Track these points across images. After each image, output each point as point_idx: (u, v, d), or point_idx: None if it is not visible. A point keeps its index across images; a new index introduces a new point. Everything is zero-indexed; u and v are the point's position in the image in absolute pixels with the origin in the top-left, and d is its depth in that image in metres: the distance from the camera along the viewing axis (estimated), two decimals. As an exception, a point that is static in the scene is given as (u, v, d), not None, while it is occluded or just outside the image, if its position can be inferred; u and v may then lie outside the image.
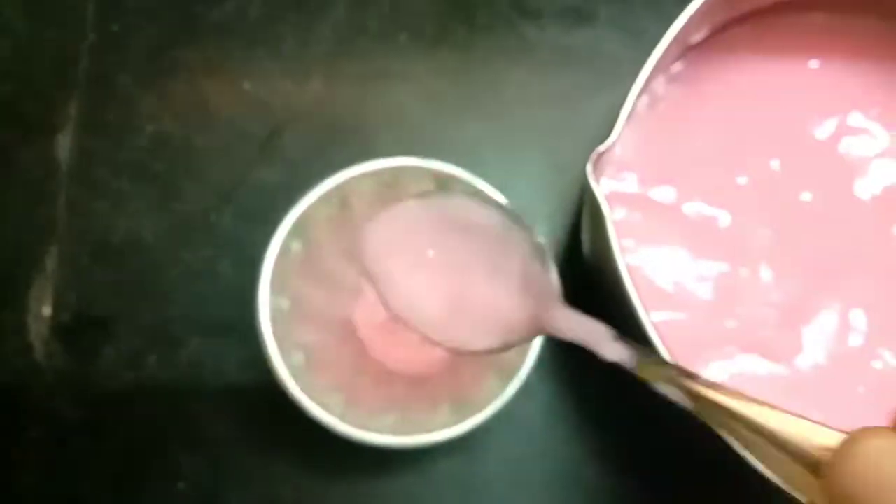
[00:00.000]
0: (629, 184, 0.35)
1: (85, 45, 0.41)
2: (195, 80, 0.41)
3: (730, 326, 0.34)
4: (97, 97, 0.40)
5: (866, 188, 0.35)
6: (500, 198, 0.32)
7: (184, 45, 0.41)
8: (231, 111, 0.40)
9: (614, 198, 0.34)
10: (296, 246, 0.32)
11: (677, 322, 0.34)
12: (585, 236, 0.34)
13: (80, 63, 0.41)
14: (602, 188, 0.28)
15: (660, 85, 0.35)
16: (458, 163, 0.32)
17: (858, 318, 0.34)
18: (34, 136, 0.40)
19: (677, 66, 0.35)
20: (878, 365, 0.34)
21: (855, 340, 0.34)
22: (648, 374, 0.25)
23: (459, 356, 0.32)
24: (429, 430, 0.30)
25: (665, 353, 0.26)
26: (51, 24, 0.41)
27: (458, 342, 0.27)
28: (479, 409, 0.30)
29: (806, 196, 0.35)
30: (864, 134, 0.35)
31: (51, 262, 0.39)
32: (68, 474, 0.37)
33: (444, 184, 0.32)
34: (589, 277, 0.34)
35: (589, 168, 0.28)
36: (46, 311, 0.38)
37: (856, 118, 0.36)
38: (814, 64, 0.36)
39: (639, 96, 0.29)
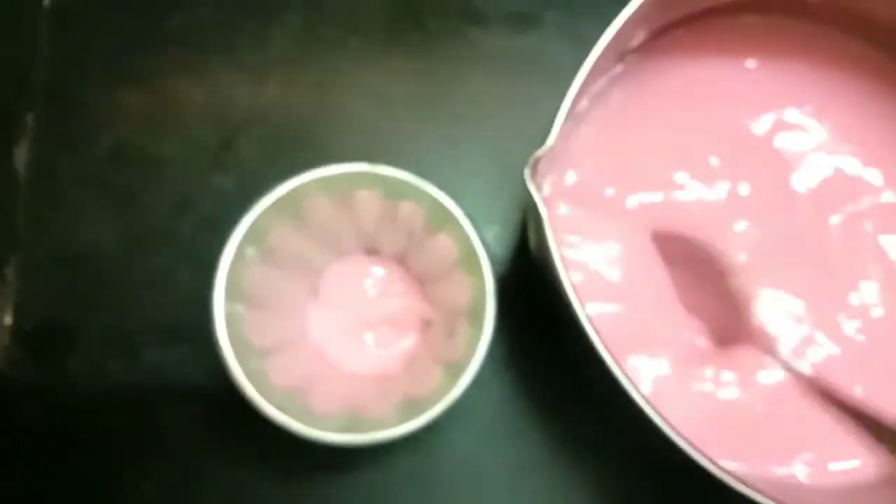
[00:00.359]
0: (573, 181, 0.36)
1: (40, 56, 0.41)
2: (150, 89, 0.41)
3: (673, 319, 0.35)
4: (53, 108, 0.41)
5: (803, 181, 0.36)
6: (449, 201, 0.32)
7: (139, 55, 0.41)
8: (186, 120, 0.41)
9: (560, 195, 0.35)
10: (250, 252, 0.33)
11: (623, 314, 0.35)
12: (531, 235, 0.35)
13: (35, 74, 0.41)
14: (544, 188, 0.29)
15: (601, 86, 0.36)
16: (410, 166, 0.33)
17: (797, 307, 0.35)
18: (-10, 149, 0.40)
19: (618, 68, 0.37)
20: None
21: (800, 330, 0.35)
22: None
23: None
24: (382, 428, 0.31)
25: (601, 347, 0.27)
26: (4, 35, 0.42)
27: None
28: (430, 406, 0.30)
29: (744, 189, 0.36)
30: (800, 129, 0.37)
31: (10, 273, 0.39)
32: (33, 483, 0.37)
33: (392, 189, 0.33)
34: (537, 275, 0.35)
35: (527, 172, 0.29)
36: (7, 320, 0.38)
37: (791, 114, 0.37)
38: (750, 63, 0.37)
39: (577, 98, 0.30)
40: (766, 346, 0.35)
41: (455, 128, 0.41)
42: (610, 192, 0.36)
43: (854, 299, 0.35)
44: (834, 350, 0.35)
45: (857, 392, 0.34)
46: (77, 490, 0.38)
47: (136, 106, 0.41)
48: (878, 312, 0.35)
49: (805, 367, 0.35)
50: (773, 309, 0.35)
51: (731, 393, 0.34)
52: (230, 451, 0.38)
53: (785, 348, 0.35)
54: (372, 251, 0.38)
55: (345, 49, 0.42)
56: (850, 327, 0.35)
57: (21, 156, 0.40)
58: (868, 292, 0.36)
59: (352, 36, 0.42)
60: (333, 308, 0.37)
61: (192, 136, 0.41)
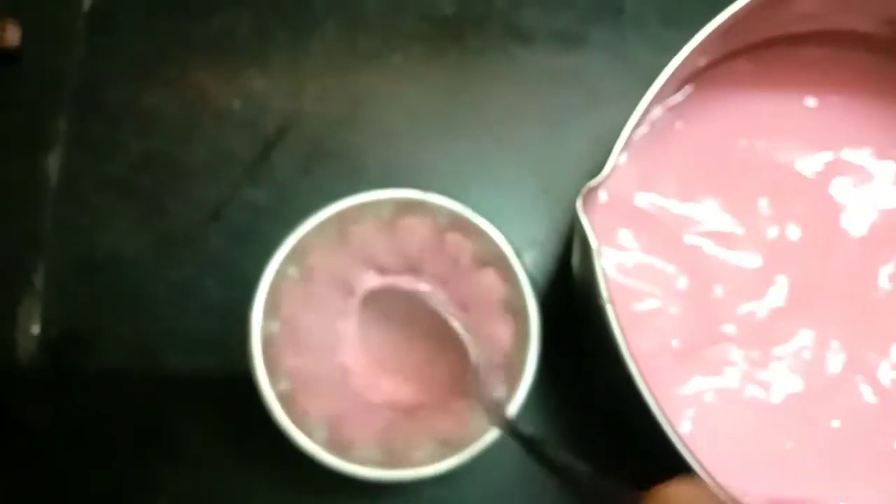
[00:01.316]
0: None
1: (74, 61, 0.41)
2: (183, 97, 0.40)
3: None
4: (85, 114, 0.40)
5: (856, 226, 0.35)
6: (501, 238, 0.32)
7: (172, 63, 0.41)
8: (219, 129, 0.40)
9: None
10: (292, 271, 0.32)
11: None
12: (575, 262, 0.34)
13: (69, 79, 0.40)
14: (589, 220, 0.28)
15: (657, 114, 0.35)
16: (445, 186, 0.32)
17: (835, 348, 0.35)
18: (22, 152, 0.40)
19: (676, 98, 0.36)
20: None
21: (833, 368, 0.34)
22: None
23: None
24: (412, 465, 0.30)
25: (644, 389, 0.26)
26: (40, 39, 0.41)
27: None
28: (463, 447, 0.30)
29: (793, 233, 0.35)
30: (857, 170, 0.36)
31: (38, 279, 0.38)
32: (51, 489, 0.37)
33: (442, 219, 0.32)
34: (576, 303, 0.34)
35: (579, 203, 0.28)
36: (35, 328, 0.38)
37: (849, 154, 0.36)
38: (810, 100, 0.36)
39: (635, 128, 0.29)
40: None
41: (494, 147, 0.40)
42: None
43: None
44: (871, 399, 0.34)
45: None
46: (94, 495, 0.37)
47: (168, 113, 0.40)
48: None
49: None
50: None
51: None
52: (245, 465, 0.37)
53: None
54: (415, 272, 0.36)
55: (383, 63, 0.41)
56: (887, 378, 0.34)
57: (52, 160, 0.39)
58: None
59: (390, 50, 0.41)
60: (368, 330, 0.36)
61: (224, 147, 0.40)
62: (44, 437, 0.38)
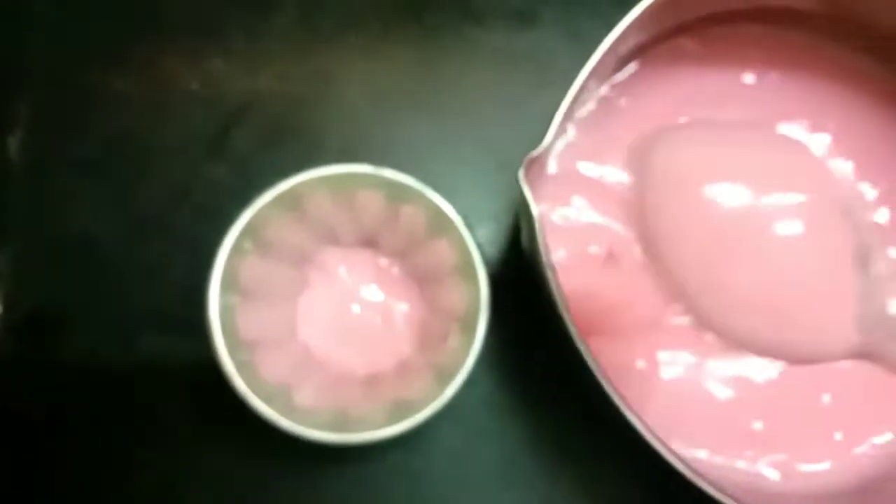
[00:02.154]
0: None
1: (35, 42, 0.41)
2: (146, 76, 0.41)
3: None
4: (48, 95, 0.40)
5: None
6: (450, 208, 0.33)
7: (135, 42, 0.41)
8: (181, 109, 0.40)
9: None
10: (248, 245, 0.33)
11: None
12: (523, 234, 0.35)
13: (30, 61, 0.41)
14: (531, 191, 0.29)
15: (604, 91, 0.36)
16: (404, 161, 0.33)
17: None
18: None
19: (621, 75, 0.37)
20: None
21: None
22: None
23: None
24: (369, 428, 0.31)
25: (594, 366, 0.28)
26: (2, 20, 0.41)
27: None
28: (418, 409, 0.31)
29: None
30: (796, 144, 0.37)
31: (3, 262, 0.39)
32: (26, 471, 0.38)
33: (394, 192, 0.33)
34: (527, 274, 0.35)
35: (521, 172, 0.29)
36: (-1, 308, 0.39)
37: (788, 129, 0.37)
38: (749, 78, 0.37)
39: (575, 101, 0.30)
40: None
41: (450, 124, 0.41)
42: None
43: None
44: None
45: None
46: (69, 478, 0.38)
47: (131, 93, 0.41)
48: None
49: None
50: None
51: (713, 384, 0.35)
52: (221, 441, 0.38)
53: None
54: (371, 244, 0.37)
55: (341, 42, 0.41)
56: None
57: (14, 143, 0.40)
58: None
59: (349, 28, 0.41)
60: (324, 301, 0.37)
61: (188, 125, 0.40)
62: (18, 420, 0.38)
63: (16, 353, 0.38)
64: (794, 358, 0.35)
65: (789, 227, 0.34)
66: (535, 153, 0.29)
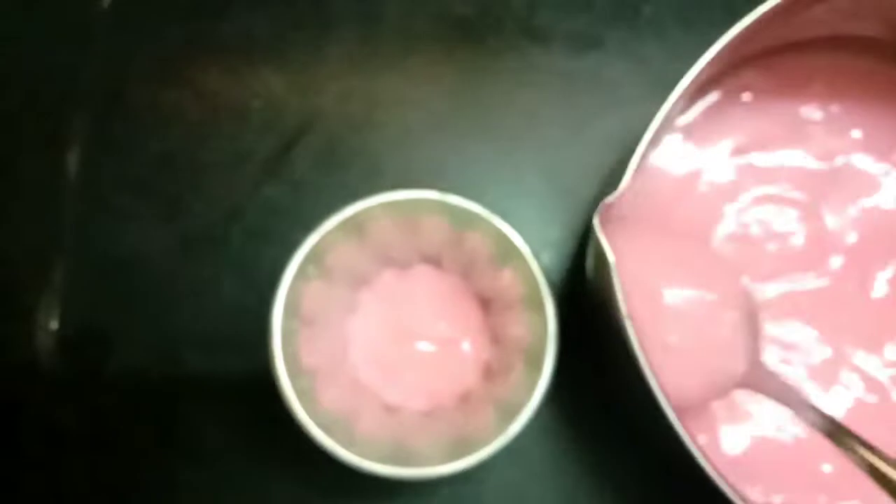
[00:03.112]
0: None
1: (94, 58, 0.41)
2: (203, 96, 0.41)
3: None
4: (105, 112, 0.40)
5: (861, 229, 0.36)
6: (517, 237, 0.32)
7: (192, 61, 0.41)
8: (238, 128, 0.40)
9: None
10: (311, 270, 0.33)
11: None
12: (589, 271, 0.34)
13: (87, 77, 0.41)
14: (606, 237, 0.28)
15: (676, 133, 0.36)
16: (462, 185, 0.33)
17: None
18: (42, 149, 0.40)
19: (686, 117, 0.36)
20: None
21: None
22: (836, 440, 0.29)
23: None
24: (429, 463, 0.30)
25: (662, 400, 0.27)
26: (60, 36, 0.41)
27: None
28: (479, 446, 0.30)
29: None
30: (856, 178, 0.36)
31: (57, 277, 0.39)
32: (70, 487, 0.37)
33: (460, 219, 0.33)
34: (591, 305, 0.34)
35: (595, 220, 0.28)
36: (53, 325, 0.38)
37: (860, 160, 0.36)
38: (814, 112, 0.37)
39: (649, 146, 0.30)
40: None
41: (510, 148, 0.40)
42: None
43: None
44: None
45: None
46: (112, 494, 0.38)
47: (186, 111, 0.40)
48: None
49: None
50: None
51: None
52: (264, 464, 0.38)
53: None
54: (434, 263, 0.37)
55: (402, 63, 0.41)
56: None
57: (72, 158, 0.40)
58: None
59: (408, 50, 0.41)
60: (382, 329, 0.36)
61: (243, 146, 0.40)
62: (63, 436, 0.38)
63: (66, 368, 0.38)
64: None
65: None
66: (611, 198, 0.28)
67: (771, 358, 0.35)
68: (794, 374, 0.35)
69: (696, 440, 0.27)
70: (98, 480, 0.38)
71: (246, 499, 0.38)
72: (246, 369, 0.38)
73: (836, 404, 0.35)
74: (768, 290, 0.36)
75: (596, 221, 0.27)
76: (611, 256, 0.27)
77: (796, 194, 0.36)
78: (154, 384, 0.38)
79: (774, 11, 0.29)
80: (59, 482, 0.38)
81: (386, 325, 0.36)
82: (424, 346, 0.36)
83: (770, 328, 0.36)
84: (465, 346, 0.36)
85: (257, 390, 0.33)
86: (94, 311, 0.39)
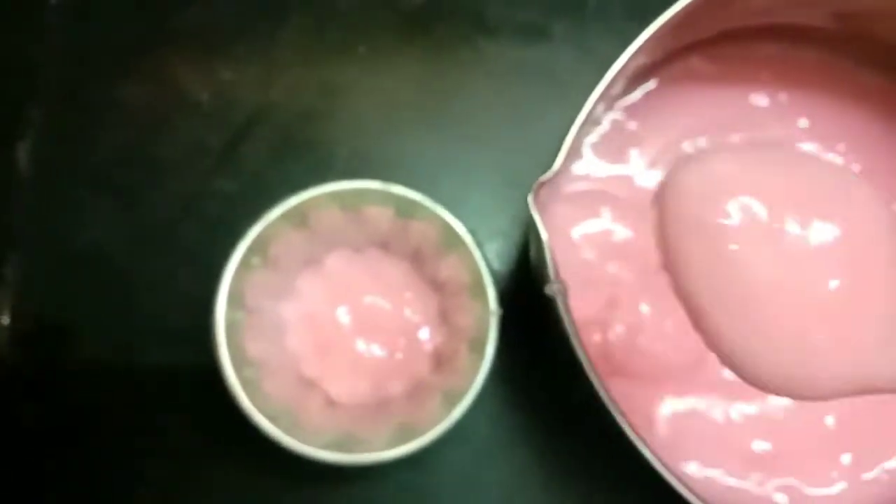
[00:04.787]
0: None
1: (46, 52, 0.41)
2: (155, 88, 0.41)
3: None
4: (58, 105, 0.40)
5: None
6: (460, 226, 0.32)
7: (144, 53, 0.41)
8: (190, 122, 0.40)
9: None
10: (255, 261, 0.33)
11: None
12: (532, 255, 0.35)
13: (41, 70, 0.41)
14: (540, 215, 0.28)
15: (616, 114, 0.36)
16: (412, 175, 0.34)
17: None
18: (-5, 142, 0.40)
19: (632, 97, 0.36)
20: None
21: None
22: None
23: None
24: (375, 448, 0.31)
25: (595, 380, 0.27)
26: (10, 30, 0.41)
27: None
28: (423, 431, 0.31)
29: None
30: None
31: (9, 271, 0.39)
32: (29, 483, 0.37)
33: (404, 208, 0.33)
34: (535, 292, 0.35)
35: (530, 197, 0.29)
36: (5, 320, 0.38)
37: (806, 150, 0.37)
38: (760, 99, 0.37)
39: (584, 123, 0.30)
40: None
41: (460, 138, 0.40)
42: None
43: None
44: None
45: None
46: (71, 491, 0.38)
47: (140, 106, 0.40)
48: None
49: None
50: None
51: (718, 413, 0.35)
52: (223, 457, 0.38)
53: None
54: (384, 248, 0.37)
55: (352, 54, 0.41)
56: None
57: (24, 152, 0.40)
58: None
59: (360, 41, 0.41)
60: (320, 310, 0.36)
61: (196, 138, 0.40)
62: (21, 431, 0.38)
63: (21, 364, 0.38)
64: (815, 394, 0.34)
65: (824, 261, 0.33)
66: (545, 177, 0.29)
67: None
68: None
69: (629, 419, 0.27)
70: (58, 476, 0.38)
71: (206, 490, 0.38)
72: (202, 360, 0.37)
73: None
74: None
75: (530, 199, 0.28)
76: (543, 233, 0.28)
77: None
78: (112, 377, 0.38)
79: (708, -1, 0.30)
80: (16, 477, 0.38)
81: (330, 314, 0.36)
82: (373, 338, 0.36)
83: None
84: (423, 333, 0.36)
85: (212, 381, 0.34)
86: (50, 305, 0.39)
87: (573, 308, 0.28)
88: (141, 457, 0.38)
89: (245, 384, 0.31)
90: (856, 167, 0.36)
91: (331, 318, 0.36)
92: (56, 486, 0.38)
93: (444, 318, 0.35)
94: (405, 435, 0.31)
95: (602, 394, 0.27)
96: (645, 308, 0.34)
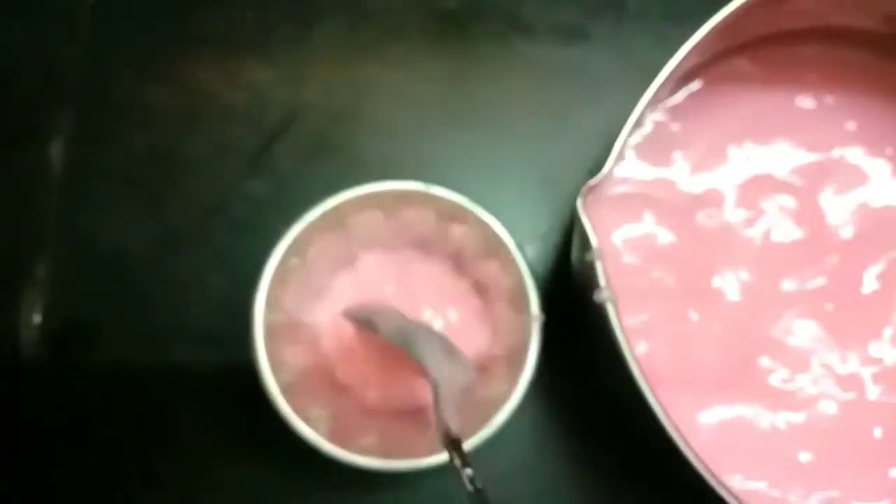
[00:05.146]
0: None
1: (78, 53, 0.41)
2: (186, 90, 0.40)
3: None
4: (89, 106, 0.40)
5: (850, 224, 0.36)
6: (503, 231, 0.32)
7: (176, 55, 0.41)
8: (221, 122, 0.40)
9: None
10: (294, 262, 0.32)
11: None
12: (574, 258, 0.34)
13: (72, 72, 0.40)
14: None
15: (659, 115, 0.36)
16: (446, 178, 0.32)
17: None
18: (25, 144, 0.40)
19: (675, 98, 0.36)
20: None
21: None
22: None
23: None
24: (413, 455, 0.30)
25: (647, 391, 0.27)
26: (44, 31, 0.41)
27: None
28: (463, 438, 0.30)
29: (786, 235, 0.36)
30: (854, 169, 0.36)
31: (41, 271, 0.38)
32: (51, 480, 0.37)
33: (445, 210, 0.32)
34: (575, 296, 0.34)
35: (579, 202, 0.28)
36: (37, 318, 0.38)
37: (839, 154, 0.36)
38: (806, 101, 0.36)
39: (634, 128, 0.30)
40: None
41: (494, 139, 0.40)
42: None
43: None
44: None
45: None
46: (94, 488, 0.37)
47: (170, 107, 0.40)
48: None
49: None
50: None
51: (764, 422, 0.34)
52: (244, 460, 0.37)
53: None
54: (423, 249, 0.36)
55: (385, 55, 0.41)
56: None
57: (55, 152, 0.39)
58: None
59: (392, 41, 0.41)
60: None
61: (226, 140, 0.40)
62: (46, 429, 0.38)
63: (49, 361, 0.38)
64: None
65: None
66: (593, 181, 0.28)
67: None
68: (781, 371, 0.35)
69: (677, 426, 0.27)
70: (81, 474, 0.37)
71: (225, 492, 0.37)
72: (228, 363, 0.37)
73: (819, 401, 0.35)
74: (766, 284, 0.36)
75: (579, 203, 0.27)
76: (593, 239, 0.27)
77: (793, 181, 0.36)
78: (138, 378, 0.38)
79: (754, 2, 0.29)
80: (42, 475, 0.37)
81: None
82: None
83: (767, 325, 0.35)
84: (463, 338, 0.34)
85: (239, 384, 0.33)
86: (79, 305, 0.39)
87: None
88: (162, 457, 0.38)
89: (283, 389, 0.31)
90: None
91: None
92: (75, 484, 0.37)
93: (484, 323, 0.35)
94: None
95: (653, 403, 0.26)
96: (693, 315, 0.34)
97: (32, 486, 0.37)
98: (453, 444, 0.27)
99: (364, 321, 0.32)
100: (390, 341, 0.30)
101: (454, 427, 0.27)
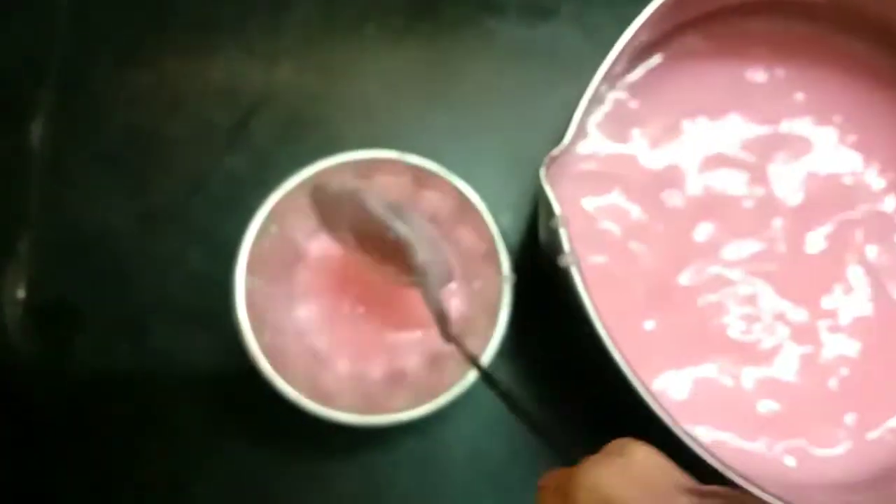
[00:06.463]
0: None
1: (57, 35, 0.41)
2: (165, 70, 0.41)
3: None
4: (69, 87, 0.41)
5: (798, 192, 0.37)
6: (475, 196, 0.33)
7: (154, 36, 0.42)
8: (199, 101, 0.41)
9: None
10: (273, 229, 0.33)
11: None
12: (541, 228, 0.36)
13: (52, 53, 0.41)
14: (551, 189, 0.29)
15: (620, 93, 0.37)
16: (421, 153, 0.34)
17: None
18: (6, 124, 0.40)
19: (632, 77, 0.37)
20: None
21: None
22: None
23: None
24: (391, 411, 0.31)
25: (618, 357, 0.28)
26: (24, 13, 0.42)
27: None
28: (437, 394, 0.31)
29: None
30: (801, 138, 0.38)
31: (23, 248, 0.39)
32: (39, 458, 0.38)
33: (419, 177, 0.33)
34: (545, 264, 0.36)
35: (542, 171, 0.29)
36: (20, 293, 0.39)
37: (798, 123, 0.38)
38: (758, 75, 0.38)
39: (590, 102, 0.31)
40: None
41: (467, 115, 0.41)
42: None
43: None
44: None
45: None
46: (81, 468, 0.38)
47: (149, 87, 0.41)
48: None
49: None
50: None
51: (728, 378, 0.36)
52: (231, 432, 0.38)
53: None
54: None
55: (360, 34, 0.42)
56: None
57: (36, 132, 0.40)
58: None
59: (367, 21, 0.42)
60: (329, 286, 0.36)
61: (205, 118, 0.41)
62: (33, 409, 0.38)
63: (35, 339, 0.39)
64: None
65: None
66: (555, 151, 0.30)
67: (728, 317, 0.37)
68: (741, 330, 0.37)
69: (642, 379, 0.28)
70: (67, 450, 0.38)
71: (212, 465, 0.38)
72: (213, 337, 0.38)
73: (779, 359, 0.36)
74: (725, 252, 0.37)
75: (542, 173, 0.29)
76: (556, 207, 0.28)
77: (744, 157, 0.38)
78: (123, 355, 0.39)
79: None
80: (26, 454, 0.38)
81: (339, 281, 0.36)
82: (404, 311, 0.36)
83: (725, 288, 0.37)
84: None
85: (225, 357, 0.34)
86: (62, 281, 0.39)
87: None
88: (150, 433, 0.38)
89: (264, 350, 0.32)
90: (852, 138, 0.37)
91: (340, 290, 0.36)
92: (63, 463, 0.38)
93: (459, 286, 0.36)
94: (421, 399, 0.31)
95: (615, 354, 0.28)
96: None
97: (22, 463, 0.38)
98: (442, 318, 0.30)
99: (352, 194, 0.32)
100: (378, 218, 0.31)
101: (445, 308, 0.30)
